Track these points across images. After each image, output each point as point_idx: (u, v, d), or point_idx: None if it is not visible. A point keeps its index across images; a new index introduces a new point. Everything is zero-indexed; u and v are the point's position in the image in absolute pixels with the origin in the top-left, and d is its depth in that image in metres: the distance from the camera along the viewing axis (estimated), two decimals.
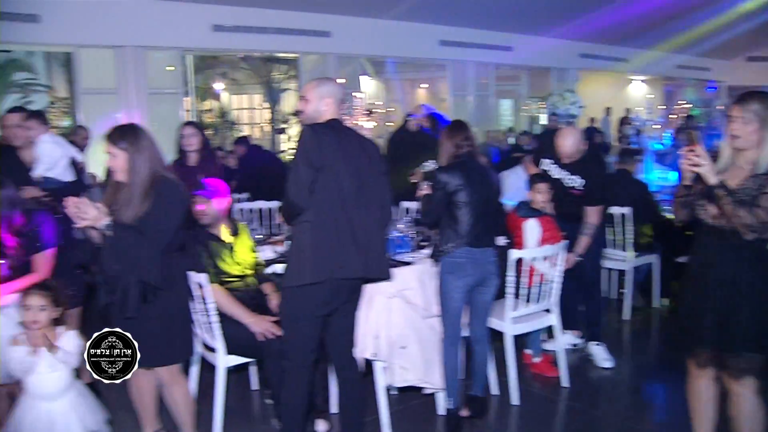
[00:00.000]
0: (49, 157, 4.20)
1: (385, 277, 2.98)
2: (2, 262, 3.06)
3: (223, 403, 3.33)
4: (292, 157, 2.84)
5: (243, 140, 7.89)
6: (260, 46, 9.89)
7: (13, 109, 4.35)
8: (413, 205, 4.81)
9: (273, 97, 16.13)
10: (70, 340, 2.81)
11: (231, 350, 3.32)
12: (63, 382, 2.79)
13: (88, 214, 2.60)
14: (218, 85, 15.44)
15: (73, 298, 3.34)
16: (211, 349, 3.36)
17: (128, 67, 8.63)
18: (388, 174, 3.01)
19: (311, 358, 2.93)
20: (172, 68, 9.24)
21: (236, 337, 3.29)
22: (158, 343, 2.81)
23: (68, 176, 4.31)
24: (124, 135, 2.76)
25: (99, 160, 6.55)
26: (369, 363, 3.31)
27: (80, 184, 4.42)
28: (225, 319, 3.27)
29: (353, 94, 9.80)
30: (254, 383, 3.99)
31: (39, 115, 4.44)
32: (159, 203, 2.73)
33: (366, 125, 9.22)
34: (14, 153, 4.14)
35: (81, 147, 6.69)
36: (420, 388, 3.52)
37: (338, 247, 2.75)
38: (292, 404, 2.94)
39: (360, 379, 3.13)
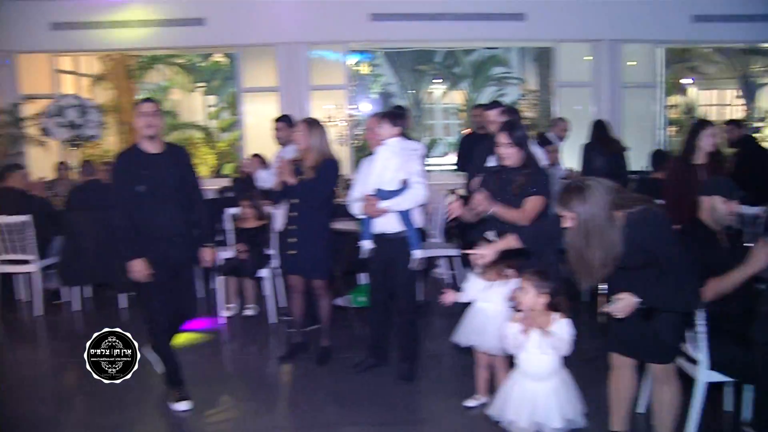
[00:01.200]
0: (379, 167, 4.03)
1: None
2: None
3: (698, 418, 3.16)
4: None
5: (734, 123, 6.80)
6: (742, 37, 8.96)
7: (492, 104, 4.58)
8: None
9: (749, 92, 14.55)
10: (563, 327, 2.82)
11: (715, 366, 3.12)
12: (550, 367, 2.84)
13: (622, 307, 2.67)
14: (686, 80, 14.58)
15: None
16: (692, 360, 3.22)
17: (603, 61, 8.78)
18: None
19: None
20: (634, 63, 9.12)
21: (725, 353, 3.08)
22: (663, 338, 2.84)
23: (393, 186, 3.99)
24: (570, 198, 2.66)
25: (572, 153, 6.88)
26: None
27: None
28: (715, 335, 3.07)
29: None
30: (728, 404, 3.64)
31: (390, 116, 4.04)
32: (656, 235, 2.66)
33: None
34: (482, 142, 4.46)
35: (560, 138, 7.10)
36: None
37: None
38: None
39: None
